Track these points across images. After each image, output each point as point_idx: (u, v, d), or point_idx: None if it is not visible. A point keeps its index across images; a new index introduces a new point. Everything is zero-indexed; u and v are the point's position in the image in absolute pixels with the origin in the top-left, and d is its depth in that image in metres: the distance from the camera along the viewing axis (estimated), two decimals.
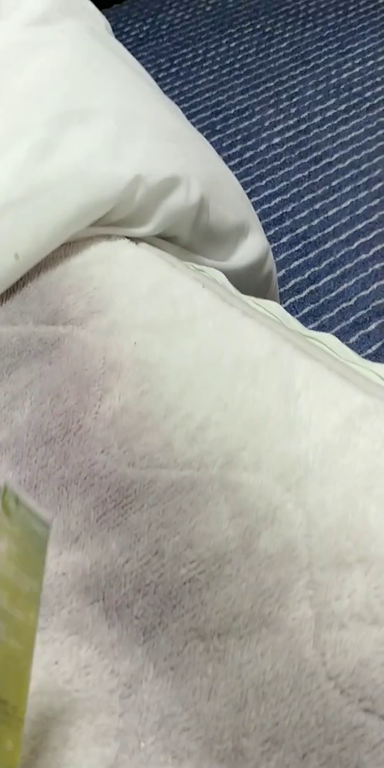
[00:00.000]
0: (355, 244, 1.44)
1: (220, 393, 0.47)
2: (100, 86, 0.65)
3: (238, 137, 1.71)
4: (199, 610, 0.40)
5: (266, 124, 1.74)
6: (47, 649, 0.41)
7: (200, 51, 2.03)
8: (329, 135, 1.69)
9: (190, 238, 0.65)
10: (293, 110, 1.77)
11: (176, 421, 0.47)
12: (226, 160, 1.63)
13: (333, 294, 1.35)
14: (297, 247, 1.44)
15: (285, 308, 0.65)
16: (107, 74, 0.68)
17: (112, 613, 0.41)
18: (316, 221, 1.49)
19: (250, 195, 1.48)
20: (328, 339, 0.55)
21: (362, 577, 0.39)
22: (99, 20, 0.79)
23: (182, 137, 0.68)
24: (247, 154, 1.66)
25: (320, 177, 1.59)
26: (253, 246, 0.75)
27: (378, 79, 1.85)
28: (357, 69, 1.89)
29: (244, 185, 1.55)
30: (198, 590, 0.40)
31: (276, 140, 1.69)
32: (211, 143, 0.89)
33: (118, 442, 0.47)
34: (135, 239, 0.60)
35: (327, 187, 1.56)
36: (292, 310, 1.34)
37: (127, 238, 0.59)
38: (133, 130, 0.61)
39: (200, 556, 0.41)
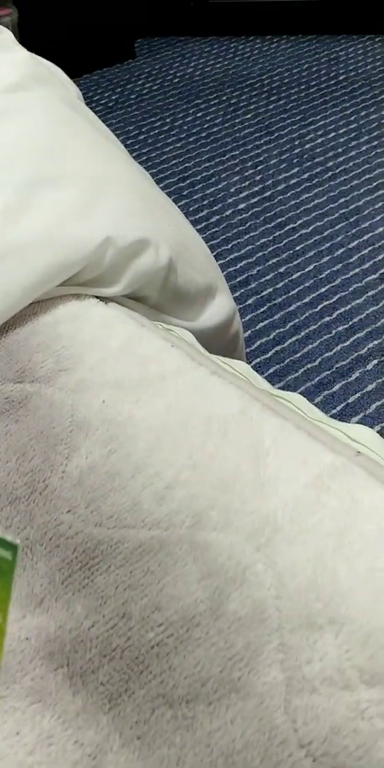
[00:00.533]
0: (319, 307, 1.47)
1: (189, 451, 0.47)
2: (71, 151, 0.66)
3: (205, 202, 1.75)
4: (167, 675, 0.39)
5: (232, 190, 1.79)
6: (8, 719, 0.39)
7: (168, 120, 2.09)
8: (293, 202, 1.74)
9: (158, 299, 0.66)
10: (258, 177, 1.83)
11: (144, 480, 0.47)
12: (193, 223, 1.66)
13: (298, 355, 1.38)
14: (262, 309, 1.47)
15: (251, 368, 0.66)
16: (78, 139, 0.69)
17: (77, 679, 0.40)
18: (280, 284, 1.53)
19: (216, 258, 1.51)
20: (296, 398, 0.56)
21: (333, 639, 0.39)
22: (71, 89, 0.81)
23: (151, 201, 0.69)
24: (214, 219, 1.70)
25: (285, 241, 1.63)
26: (220, 307, 0.76)
27: (339, 150, 1.92)
28: (319, 140, 1.96)
29: (211, 248, 1.57)
30: (166, 655, 0.39)
31: (241, 206, 1.74)
32: (179, 207, 0.90)
33: (85, 502, 0.47)
34: (104, 299, 0.60)
35: (291, 252, 1.60)
36: (258, 369, 1.35)
37: (97, 297, 0.60)
38: (103, 193, 0.63)
39: (168, 619, 0.40)
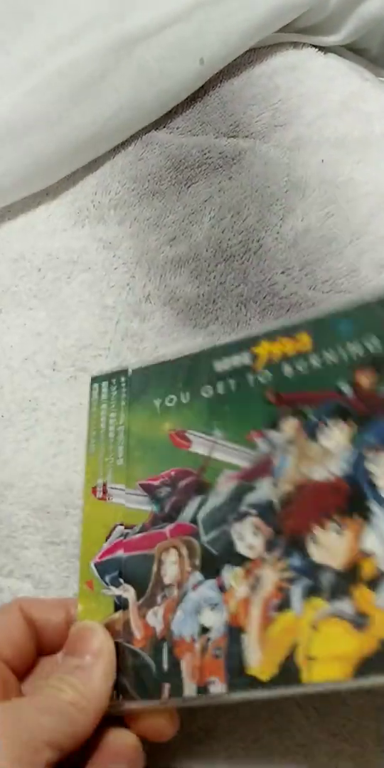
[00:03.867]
0: None
1: None
2: None
3: None
4: None
5: None
6: None
7: None
8: None
9: (379, 51, 0.59)
10: None
11: (364, 246, 0.45)
12: None
13: None
14: None
15: None
16: None
17: None
18: None
19: None
20: None
21: None
22: None
23: None
24: None
25: None
26: None
27: None
28: None
29: None
30: None
31: None
32: None
33: (299, 264, 0.46)
34: (323, 49, 0.55)
35: None
36: None
37: (315, 47, 0.55)
38: None
39: None
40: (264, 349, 0.38)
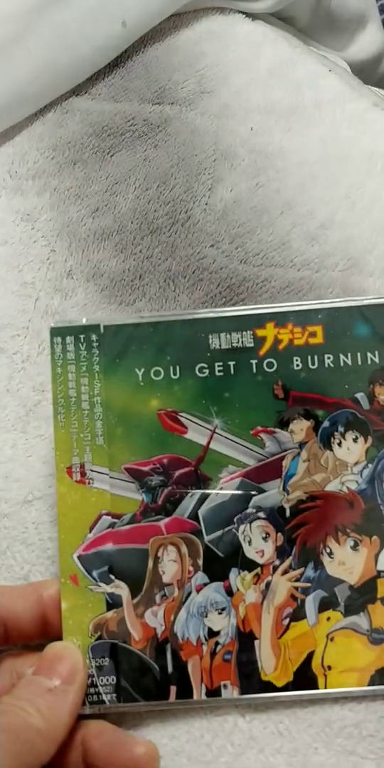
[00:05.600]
0: None
1: (347, 190, 0.42)
2: None
3: None
4: None
5: None
6: None
7: None
8: None
9: (308, 21, 0.58)
10: None
11: (295, 218, 0.43)
12: None
13: None
14: None
15: None
16: None
17: None
18: None
19: None
20: None
21: None
22: None
23: None
24: None
25: None
26: (370, 40, 0.67)
27: None
28: None
29: None
30: None
31: None
32: None
33: (229, 237, 0.44)
34: (250, 15, 0.53)
35: None
36: None
37: (243, 13, 0.53)
38: None
39: None
40: (269, 333, 0.36)
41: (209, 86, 0.49)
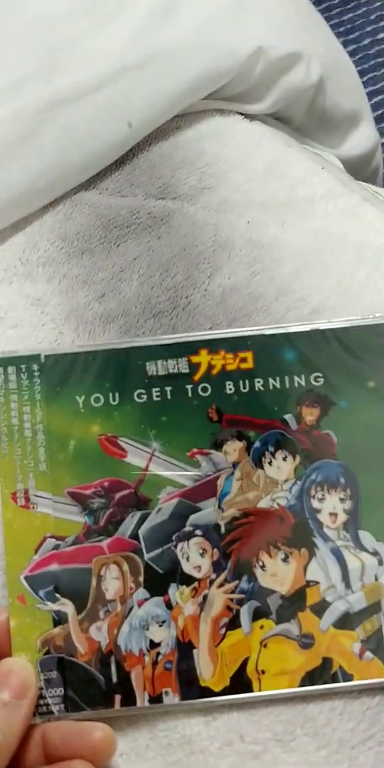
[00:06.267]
0: None
1: (338, 278, 0.45)
2: None
3: (341, 29, 1.61)
4: None
5: (372, 17, 1.63)
6: None
7: None
8: None
9: (303, 120, 0.62)
10: None
11: (289, 303, 0.46)
12: None
13: None
14: None
15: None
16: None
17: None
18: None
19: None
20: None
21: None
22: None
23: (304, 11, 0.64)
24: (349, 48, 1.57)
25: None
26: (364, 136, 0.71)
27: None
28: None
29: None
30: None
31: (381, 35, 1.59)
32: None
33: (227, 320, 0.46)
34: (249, 116, 0.57)
35: None
36: None
37: (241, 114, 0.57)
38: None
39: None
40: (203, 359, 0.39)
41: (209, 182, 0.52)
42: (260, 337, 0.39)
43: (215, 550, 0.37)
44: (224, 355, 0.39)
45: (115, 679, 0.37)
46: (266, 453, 0.38)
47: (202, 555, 0.37)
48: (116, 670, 0.37)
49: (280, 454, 0.37)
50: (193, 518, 0.37)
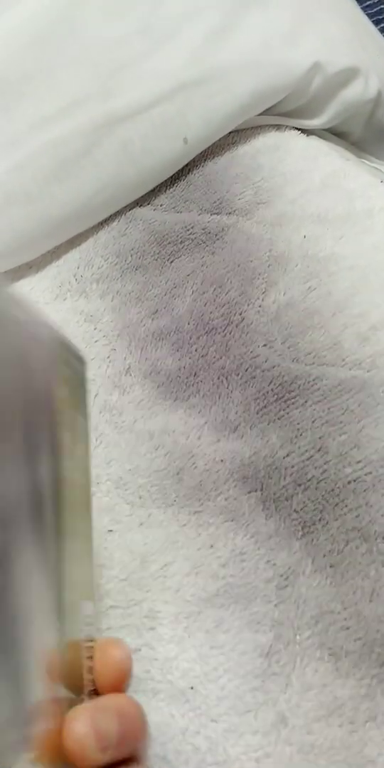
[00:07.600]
0: None
1: None
2: None
3: None
4: (363, 510, 0.38)
5: None
6: (202, 533, 0.40)
7: None
8: None
9: (361, 135, 0.61)
10: None
11: (346, 320, 0.44)
12: None
13: None
14: None
15: None
16: None
17: (270, 504, 0.40)
18: None
19: None
20: None
21: None
22: None
23: (361, 28, 0.63)
24: None
25: None
26: None
27: None
28: None
29: None
30: (363, 491, 0.39)
31: None
32: None
33: (282, 337, 0.45)
34: (305, 131, 0.56)
35: None
36: None
37: (298, 129, 0.56)
38: (311, 15, 0.57)
39: (368, 457, 0.39)
40: None
41: (265, 197, 0.51)
42: None
43: None
44: None
45: None
46: None
47: None
48: None
49: None
50: None
